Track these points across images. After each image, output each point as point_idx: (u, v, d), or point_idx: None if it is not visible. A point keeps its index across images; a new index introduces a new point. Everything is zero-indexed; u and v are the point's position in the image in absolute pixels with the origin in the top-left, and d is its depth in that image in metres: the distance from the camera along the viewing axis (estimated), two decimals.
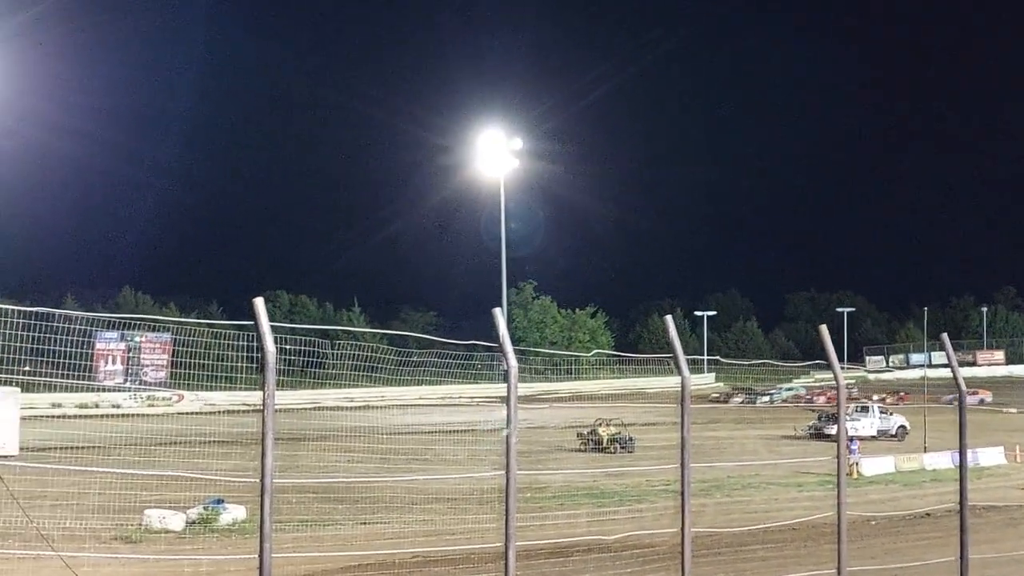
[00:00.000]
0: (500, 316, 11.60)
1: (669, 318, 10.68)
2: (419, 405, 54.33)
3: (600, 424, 37.89)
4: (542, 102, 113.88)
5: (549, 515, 17.94)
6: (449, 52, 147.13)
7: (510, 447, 11.10)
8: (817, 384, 60.49)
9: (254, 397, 10.75)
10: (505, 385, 11.32)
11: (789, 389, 63.84)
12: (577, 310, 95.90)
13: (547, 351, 61.61)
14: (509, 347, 11.27)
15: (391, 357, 36.18)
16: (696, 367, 72.21)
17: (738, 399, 61.49)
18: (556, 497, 20.55)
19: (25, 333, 13.40)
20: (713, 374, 76.86)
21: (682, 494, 9.69)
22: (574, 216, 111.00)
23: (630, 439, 37.19)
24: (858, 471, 32.23)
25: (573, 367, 59.38)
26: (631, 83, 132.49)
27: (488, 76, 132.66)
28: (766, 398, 61.15)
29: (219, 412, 44.77)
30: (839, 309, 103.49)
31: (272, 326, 10.91)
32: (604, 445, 36.71)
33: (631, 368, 58.43)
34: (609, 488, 22.52)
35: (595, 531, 16.50)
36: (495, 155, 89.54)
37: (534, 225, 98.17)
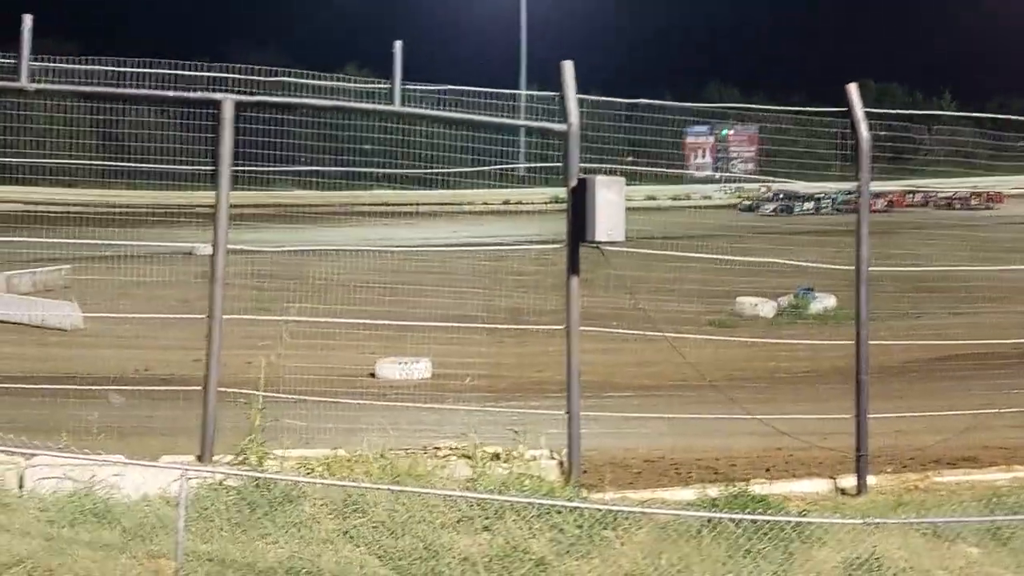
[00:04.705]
0: None
1: None
2: (1014, 195, 51.32)
3: None
4: None
5: None
6: None
7: None
8: None
9: (840, 187, 10.64)
10: None
11: None
12: None
13: None
14: None
15: (987, 143, 34.21)
16: None
17: None
18: None
19: (625, 124, 14.01)
20: None
21: None
22: None
23: None
24: None
25: None
26: None
27: None
28: None
29: (803, 210, 44.89)
30: None
31: (866, 112, 10.69)
32: None
33: None
34: None
35: None
36: None
37: None
